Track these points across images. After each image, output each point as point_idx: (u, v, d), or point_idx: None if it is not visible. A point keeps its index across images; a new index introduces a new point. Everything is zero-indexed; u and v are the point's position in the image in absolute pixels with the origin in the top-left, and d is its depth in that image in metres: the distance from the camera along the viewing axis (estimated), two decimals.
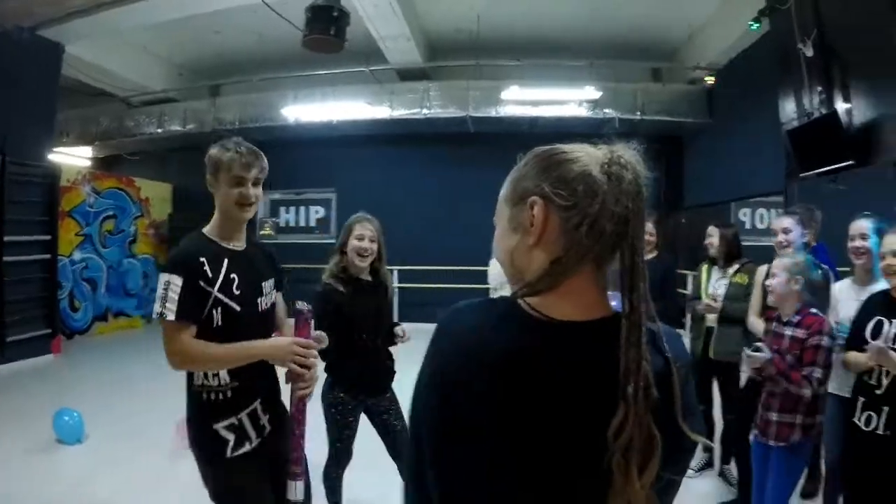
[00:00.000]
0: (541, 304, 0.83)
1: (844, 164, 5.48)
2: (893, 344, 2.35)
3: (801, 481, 3.19)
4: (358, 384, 2.88)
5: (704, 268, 4.26)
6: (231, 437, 1.91)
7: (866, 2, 5.35)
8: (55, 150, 7.95)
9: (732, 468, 3.75)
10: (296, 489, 1.91)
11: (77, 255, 8.64)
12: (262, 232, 10.32)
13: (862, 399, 2.44)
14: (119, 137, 10.14)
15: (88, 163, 10.51)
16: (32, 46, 6.86)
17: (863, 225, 2.86)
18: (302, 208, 10.46)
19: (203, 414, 1.92)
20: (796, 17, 6.02)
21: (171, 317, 1.78)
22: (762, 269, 3.59)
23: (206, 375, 1.91)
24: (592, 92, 8.39)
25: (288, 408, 1.97)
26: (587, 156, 0.90)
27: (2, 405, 5.45)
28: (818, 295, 2.91)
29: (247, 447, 1.94)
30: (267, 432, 2.00)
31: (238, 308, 1.91)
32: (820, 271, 3.20)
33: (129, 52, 8.97)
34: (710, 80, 8.76)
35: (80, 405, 4.76)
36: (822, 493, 3.21)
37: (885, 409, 2.32)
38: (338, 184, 10.17)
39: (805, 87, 6.08)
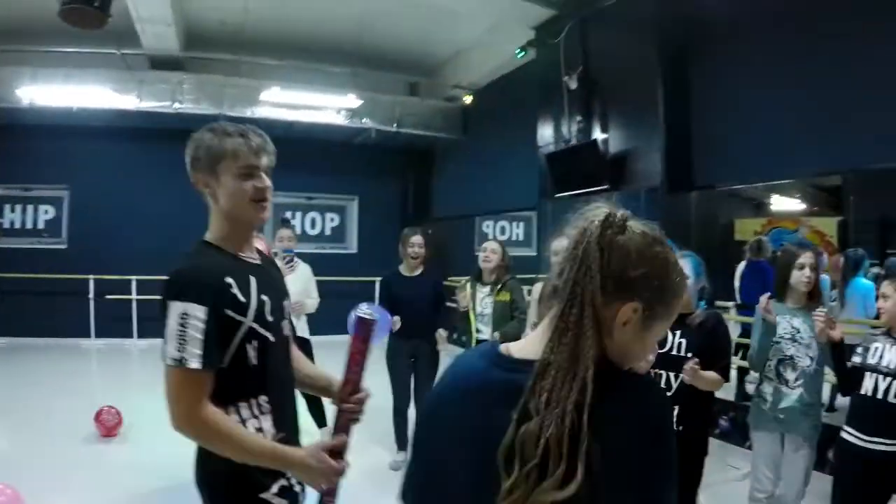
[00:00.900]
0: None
1: (600, 187, 6.10)
2: (678, 352, 2.73)
3: None
4: None
5: (468, 284, 4.41)
6: None
7: (630, 43, 6.07)
8: None
9: None
10: None
11: None
12: None
13: None
14: None
15: None
16: None
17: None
18: (29, 207, 9.32)
19: (241, 482, 1.49)
20: (564, 51, 6.66)
21: (194, 364, 1.37)
22: (537, 286, 3.79)
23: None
24: (354, 100, 8.57)
25: None
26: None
27: None
28: None
29: None
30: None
31: (272, 338, 1.56)
32: None
33: None
34: (468, 98, 9.34)
35: None
36: None
37: (677, 407, 2.58)
38: (73, 181, 9.23)
39: (565, 115, 6.73)
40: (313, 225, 10.86)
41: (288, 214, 10.55)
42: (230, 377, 1.48)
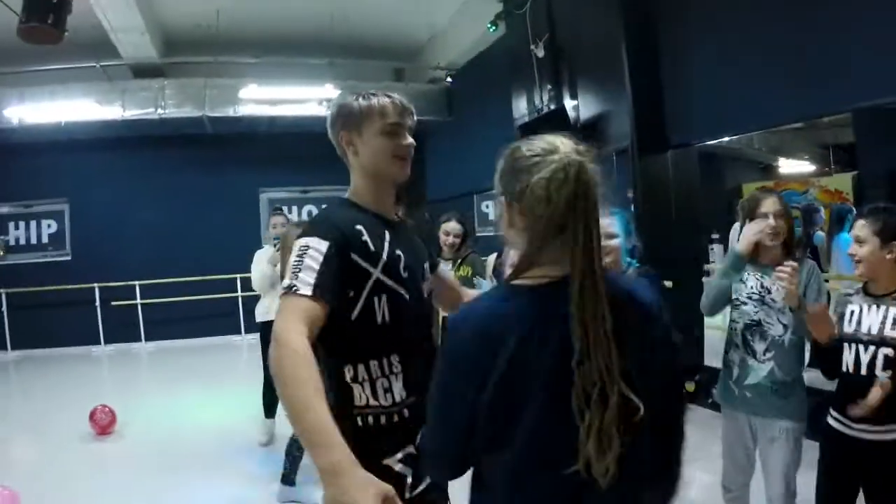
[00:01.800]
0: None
1: None
2: None
3: None
4: None
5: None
6: (409, 473, 1.49)
7: (595, 8, 5.99)
8: None
9: None
10: None
11: None
12: None
13: None
14: None
15: None
16: None
17: (604, 223, 2.60)
18: (33, 223, 9.66)
19: (365, 446, 1.28)
20: (530, 20, 6.63)
21: (305, 291, 1.30)
22: (492, 257, 3.84)
23: (374, 393, 1.47)
24: (331, 90, 8.64)
25: None
26: (543, 161, 1.09)
27: None
28: None
29: (427, 480, 1.51)
30: None
31: (406, 296, 1.54)
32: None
33: None
34: (448, 79, 9.35)
35: None
36: None
37: None
38: (70, 194, 9.55)
39: (536, 85, 6.67)
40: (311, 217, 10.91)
41: (284, 209, 10.65)
42: (360, 332, 1.46)
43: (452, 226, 4.27)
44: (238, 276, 8.88)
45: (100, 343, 9.43)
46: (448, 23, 8.80)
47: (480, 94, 8.74)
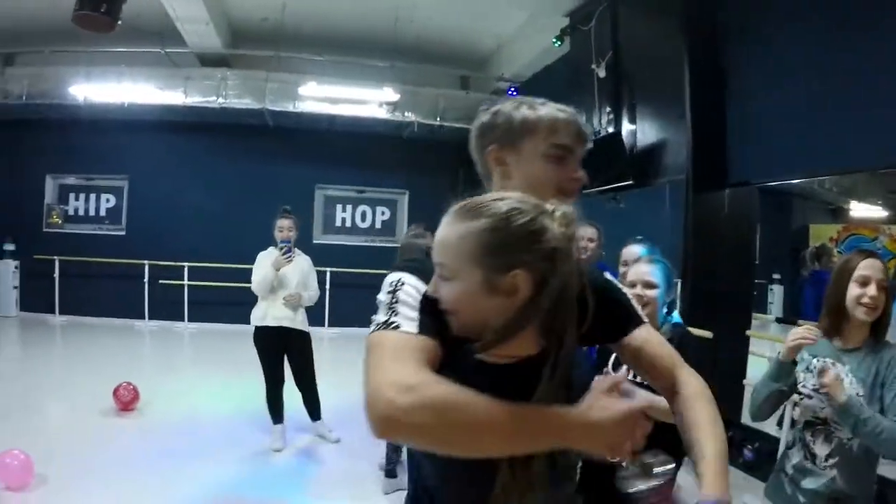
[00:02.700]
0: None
1: (624, 182, 5.87)
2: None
3: None
4: None
5: None
6: None
7: (658, 29, 5.81)
8: None
9: None
10: None
11: None
12: (49, 220, 9.90)
13: None
14: None
15: None
16: None
17: (645, 270, 2.32)
18: (92, 196, 10.07)
19: None
20: (594, 38, 6.47)
21: (408, 327, 1.03)
22: None
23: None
24: (391, 94, 8.65)
25: None
26: (551, 224, 1.00)
27: None
28: None
29: None
30: None
31: None
32: None
33: None
34: (513, 91, 9.18)
35: None
36: None
37: None
38: (130, 172, 9.89)
39: (595, 106, 6.49)
40: (363, 218, 11.02)
41: (338, 207, 10.78)
42: None
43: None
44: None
45: (144, 318, 9.73)
46: (515, 34, 8.68)
47: None
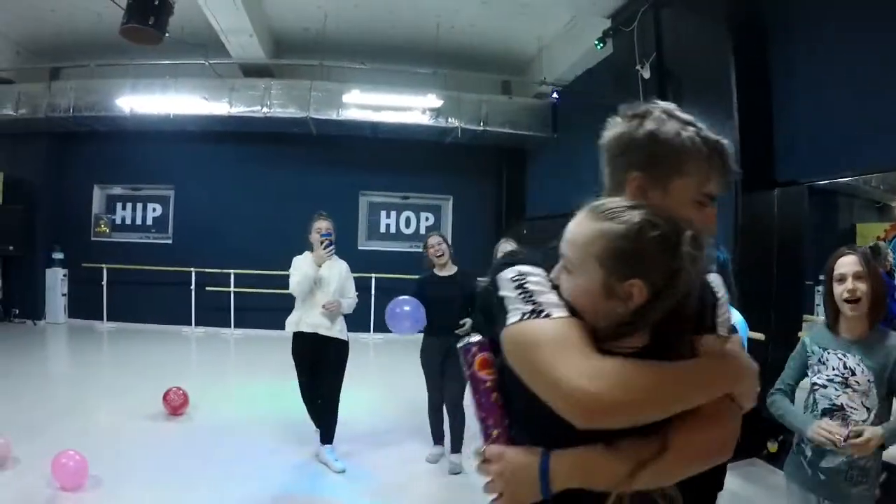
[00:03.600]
0: None
1: None
2: None
3: None
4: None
5: None
6: None
7: (703, 28, 5.81)
8: None
9: None
10: None
11: None
12: (97, 229, 10.25)
13: None
14: None
15: None
16: None
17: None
18: (139, 205, 10.41)
19: None
20: (637, 39, 6.49)
21: (559, 312, 1.03)
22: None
23: None
24: (434, 100, 8.79)
25: None
26: (680, 244, 1.01)
27: None
28: None
29: None
30: None
31: None
32: None
33: None
34: (554, 95, 9.26)
35: None
36: None
37: None
38: (176, 181, 10.20)
39: None
40: (408, 224, 11.17)
41: (382, 213, 10.98)
42: None
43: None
44: None
45: (190, 324, 9.99)
46: (556, 38, 8.77)
47: (585, 112, 8.57)
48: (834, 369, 2.27)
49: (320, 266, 4.47)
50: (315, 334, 4.45)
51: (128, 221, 10.44)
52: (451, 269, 4.74)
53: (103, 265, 9.89)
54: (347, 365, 4.67)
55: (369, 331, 9.69)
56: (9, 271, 10.02)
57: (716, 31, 5.56)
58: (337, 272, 4.60)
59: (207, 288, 9.87)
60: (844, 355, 2.24)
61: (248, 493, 3.94)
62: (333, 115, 9.03)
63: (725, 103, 5.45)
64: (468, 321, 4.47)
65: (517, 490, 1.06)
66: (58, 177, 9.99)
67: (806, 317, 6.20)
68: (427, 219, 11.22)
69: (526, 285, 1.07)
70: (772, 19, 5.32)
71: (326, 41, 8.67)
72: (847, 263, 2.22)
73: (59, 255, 9.95)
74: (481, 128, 9.13)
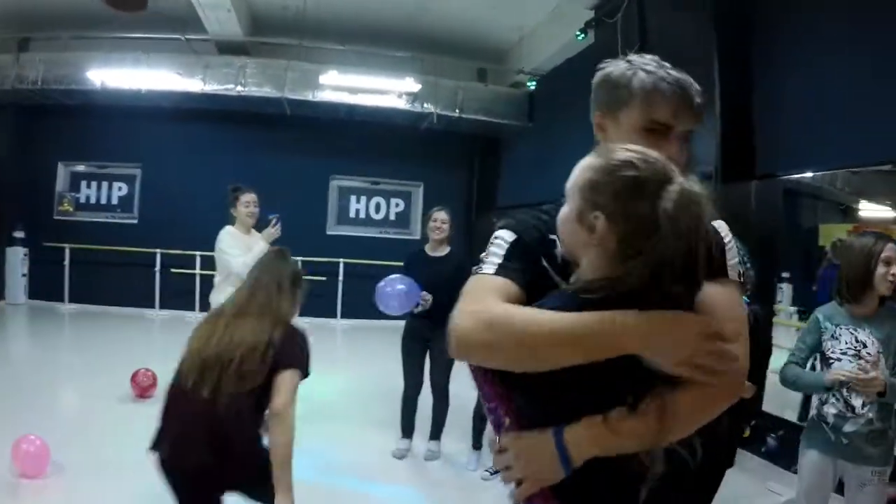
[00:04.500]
0: None
1: None
2: None
3: None
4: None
5: None
6: None
7: (688, 21, 5.85)
8: None
9: None
10: None
11: None
12: (60, 208, 9.99)
13: None
14: None
15: None
16: None
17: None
18: (104, 184, 10.16)
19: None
20: (621, 30, 6.55)
21: (488, 270, 1.15)
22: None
23: None
24: (412, 84, 8.77)
25: None
26: (659, 194, 1.01)
27: None
28: None
29: None
30: None
31: None
32: None
33: None
34: (531, 84, 9.32)
35: None
36: None
37: None
38: (144, 160, 9.97)
39: None
40: (378, 209, 11.14)
41: (353, 198, 10.96)
42: None
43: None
44: (300, 258, 9.03)
45: (154, 307, 9.82)
46: (536, 27, 8.81)
47: (563, 102, 8.63)
48: (847, 343, 2.54)
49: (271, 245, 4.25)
50: None
51: (92, 200, 10.16)
52: (444, 250, 4.67)
53: (66, 245, 9.62)
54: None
55: (336, 316, 9.63)
56: None
57: (699, 23, 5.65)
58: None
59: (173, 270, 9.69)
60: (856, 329, 2.53)
61: None
62: (309, 97, 8.93)
63: (707, 96, 5.53)
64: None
65: (538, 470, 1.06)
66: (21, 152, 9.69)
67: (775, 307, 6.39)
68: (397, 205, 11.23)
69: (490, 246, 1.20)
70: (755, 13, 5.44)
71: (306, 21, 8.56)
72: (891, 248, 2.51)
73: (19, 234, 9.63)
74: (457, 114, 9.14)
